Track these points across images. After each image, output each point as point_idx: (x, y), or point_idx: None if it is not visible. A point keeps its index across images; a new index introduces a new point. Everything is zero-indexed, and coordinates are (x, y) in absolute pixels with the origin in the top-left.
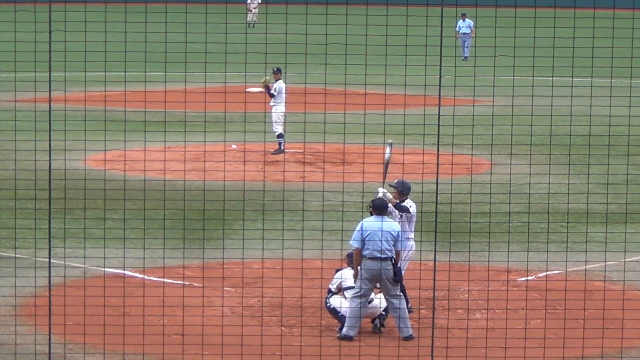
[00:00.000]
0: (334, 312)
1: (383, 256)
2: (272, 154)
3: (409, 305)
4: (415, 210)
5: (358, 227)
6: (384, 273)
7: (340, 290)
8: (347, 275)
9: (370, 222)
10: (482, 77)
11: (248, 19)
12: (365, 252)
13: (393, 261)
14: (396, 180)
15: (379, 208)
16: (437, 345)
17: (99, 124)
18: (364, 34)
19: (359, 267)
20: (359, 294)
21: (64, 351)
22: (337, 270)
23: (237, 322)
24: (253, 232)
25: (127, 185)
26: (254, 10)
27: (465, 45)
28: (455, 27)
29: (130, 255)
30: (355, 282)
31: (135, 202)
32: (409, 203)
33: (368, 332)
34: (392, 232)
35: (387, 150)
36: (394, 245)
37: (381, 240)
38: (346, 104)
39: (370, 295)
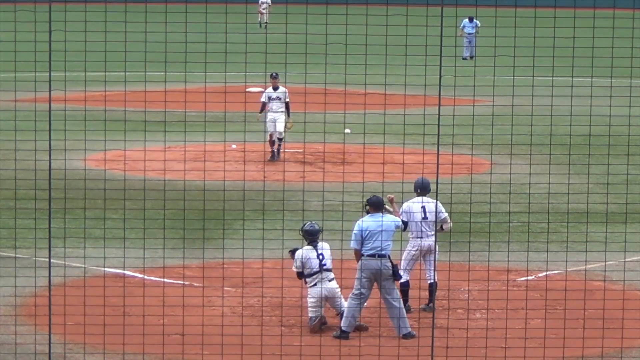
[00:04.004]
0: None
1: (382, 253)
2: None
3: (408, 304)
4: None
5: (356, 228)
6: (384, 270)
7: (303, 273)
8: (308, 254)
9: (368, 222)
10: (482, 77)
11: (258, 19)
12: (364, 251)
13: (390, 258)
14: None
15: (375, 205)
16: (437, 345)
17: (99, 124)
18: (364, 34)
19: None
20: (358, 293)
21: (64, 351)
22: (293, 251)
23: (237, 322)
24: (253, 232)
25: (127, 185)
26: (264, 12)
27: (471, 44)
28: (460, 25)
29: (130, 255)
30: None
31: (135, 202)
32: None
33: (368, 332)
34: (396, 223)
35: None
36: (403, 231)
37: (381, 240)
38: (346, 104)
39: (369, 295)
